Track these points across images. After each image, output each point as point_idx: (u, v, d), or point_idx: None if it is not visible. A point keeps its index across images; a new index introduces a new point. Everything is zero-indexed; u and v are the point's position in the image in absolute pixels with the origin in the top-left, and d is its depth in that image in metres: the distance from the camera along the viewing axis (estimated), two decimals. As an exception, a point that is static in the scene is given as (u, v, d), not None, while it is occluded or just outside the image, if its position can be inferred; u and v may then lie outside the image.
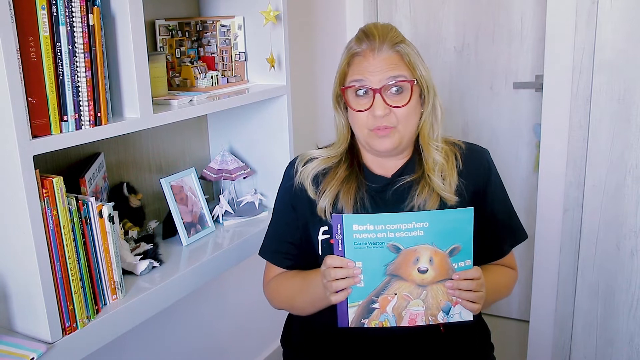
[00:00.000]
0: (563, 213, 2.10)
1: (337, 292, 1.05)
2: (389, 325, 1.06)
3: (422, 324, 1.07)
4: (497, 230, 1.26)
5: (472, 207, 1.04)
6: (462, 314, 1.07)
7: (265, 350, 2.22)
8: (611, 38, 1.90)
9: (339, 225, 1.03)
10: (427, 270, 1.04)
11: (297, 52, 2.08)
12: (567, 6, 1.95)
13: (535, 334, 2.26)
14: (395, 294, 1.05)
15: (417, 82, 1.15)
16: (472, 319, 1.08)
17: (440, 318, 1.06)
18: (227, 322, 2.02)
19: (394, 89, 1.14)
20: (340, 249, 1.04)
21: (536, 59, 2.25)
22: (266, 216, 1.73)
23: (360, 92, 1.15)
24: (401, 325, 1.06)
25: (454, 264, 1.04)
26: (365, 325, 1.07)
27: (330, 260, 1.06)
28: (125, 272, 1.33)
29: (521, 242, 1.30)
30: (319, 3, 2.28)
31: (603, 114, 1.96)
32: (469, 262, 1.05)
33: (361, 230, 1.02)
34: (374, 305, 1.06)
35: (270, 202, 1.77)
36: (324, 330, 1.24)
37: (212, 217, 1.66)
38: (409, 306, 1.06)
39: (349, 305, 1.06)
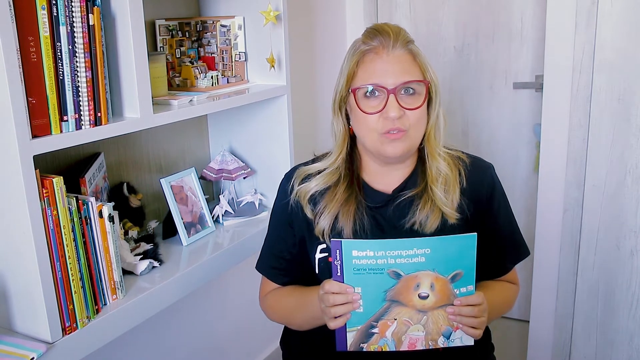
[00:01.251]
0: (563, 213, 2.10)
1: (335, 317, 1.03)
2: (388, 350, 1.04)
3: (422, 348, 1.05)
4: (500, 247, 1.24)
5: (475, 233, 1.00)
6: (462, 338, 1.05)
7: (265, 351, 2.22)
8: (611, 38, 1.90)
9: (338, 250, 1.00)
10: (428, 296, 1.01)
11: (297, 52, 2.08)
12: (567, 6, 1.95)
13: (535, 334, 2.26)
14: (395, 319, 1.03)
15: (430, 83, 1.12)
16: (472, 343, 1.06)
17: (441, 343, 1.05)
18: (227, 322, 2.02)
19: (407, 90, 1.09)
20: (339, 274, 1.01)
21: (536, 59, 2.25)
22: (266, 216, 1.73)
23: (371, 93, 1.09)
24: (400, 349, 1.04)
25: (455, 290, 1.02)
26: (364, 350, 1.05)
27: (328, 286, 1.03)
28: (125, 272, 1.33)
29: (524, 258, 1.28)
30: (319, 3, 2.28)
31: (603, 114, 1.96)
32: (471, 287, 1.03)
33: (361, 256, 0.99)
34: (373, 330, 1.04)
35: (270, 202, 1.76)
36: (323, 332, 1.23)
37: (212, 217, 1.66)
38: (409, 331, 1.04)
39: (347, 330, 1.04)
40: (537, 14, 2.21)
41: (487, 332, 1.33)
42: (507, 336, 2.42)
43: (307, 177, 1.22)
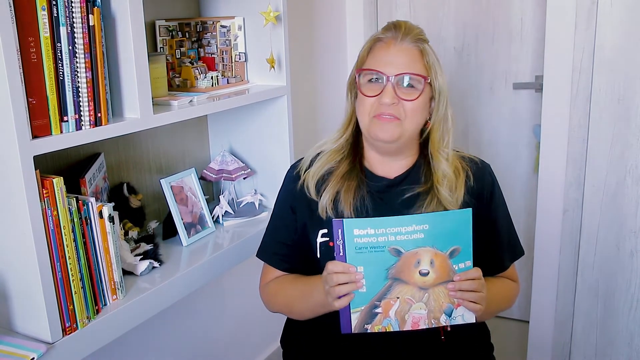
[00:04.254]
0: (563, 213, 2.10)
1: (339, 297, 1.05)
2: (392, 330, 1.06)
3: (425, 327, 1.06)
4: (499, 245, 1.27)
5: (471, 209, 1.05)
6: (464, 316, 1.07)
7: (265, 351, 2.22)
8: (611, 38, 1.90)
9: (339, 230, 1.02)
10: (428, 273, 1.04)
11: (297, 52, 2.08)
12: (567, 6, 1.95)
13: (535, 334, 2.26)
14: (398, 298, 1.05)
15: (430, 82, 1.16)
16: (474, 320, 1.07)
17: (443, 321, 1.06)
18: (227, 322, 2.03)
19: (406, 82, 1.15)
20: (341, 254, 1.04)
21: (536, 60, 2.25)
22: (266, 216, 1.73)
23: (373, 78, 1.16)
24: (404, 329, 1.06)
25: (454, 266, 1.04)
26: (369, 331, 1.06)
27: (331, 266, 1.05)
28: (126, 273, 1.33)
29: (520, 257, 1.31)
30: (319, 3, 2.28)
31: (603, 115, 1.96)
32: (469, 263, 1.05)
33: (362, 234, 1.02)
34: (377, 310, 1.05)
35: (270, 203, 1.77)
36: (323, 331, 1.24)
37: (212, 218, 1.66)
38: (412, 310, 1.05)
39: (351, 310, 1.05)
40: (537, 14, 2.21)
41: (486, 332, 1.34)
42: (507, 336, 2.43)
43: (316, 157, 1.27)
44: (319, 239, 1.22)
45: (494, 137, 2.41)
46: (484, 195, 1.24)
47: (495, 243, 1.26)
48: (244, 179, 1.77)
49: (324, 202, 1.20)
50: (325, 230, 1.21)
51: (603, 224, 2.04)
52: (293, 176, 1.28)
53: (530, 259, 2.24)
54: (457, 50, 2.39)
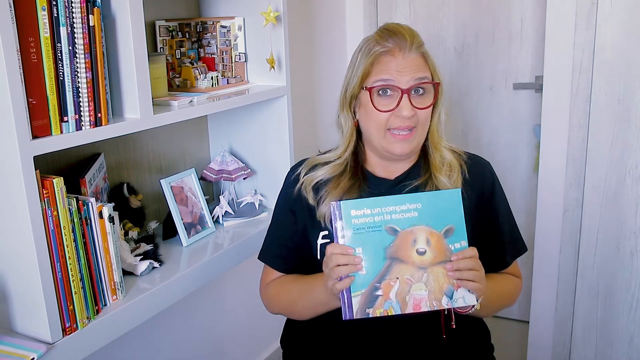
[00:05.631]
0: (563, 213, 2.10)
1: (340, 280, 1.05)
2: (394, 313, 1.06)
3: (427, 309, 1.06)
4: (501, 242, 1.27)
5: (460, 189, 1.08)
6: (465, 297, 1.07)
7: (265, 351, 2.22)
8: (611, 38, 1.91)
9: (337, 212, 1.05)
10: (425, 252, 1.05)
11: (297, 52, 2.08)
12: (567, 6, 1.95)
13: (535, 334, 2.26)
14: (397, 278, 1.05)
15: (439, 85, 1.17)
16: (476, 302, 1.07)
17: (445, 303, 1.06)
18: (227, 322, 2.03)
19: (420, 91, 1.15)
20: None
21: (536, 60, 2.25)
22: (266, 217, 1.73)
23: (383, 92, 1.15)
24: (406, 312, 1.06)
25: (450, 246, 1.06)
26: (371, 315, 1.06)
27: (331, 248, 1.06)
28: (126, 273, 1.33)
29: (522, 254, 1.31)
30: (319, 3, 2.28)
31: (603, 114, 1.96)
32: (465, 243, 1.07)
33: (359, 215, 1.05)
34: (377, 293, 1.06)
35: (270, 203, 1.77)
36: (323, 331, 1.24)
37: (212, 218, 1.66)
38: (412, 290, 1.06)
39: (352, 294, 1.06)
40: (537, 14, 2.21)
41: (486, 332, 1.34)
42: (507, 336, 2.42)
43: (315, 167, 1.26)
44: (319, 241, 1.22)
45: (494, 137, 2.41)
46: (484, 192, 1.24)
47: (497, 240, 1.26)
48: (244, 179, 1.77)
49: (323, 212, 1.20)
50: (325, 232, 1.21)
51: (603, 224, 2.04)
52: (292, 179, 1.28)
53: (530, 259, 2.24)
54: (457, 50, 2.39)
